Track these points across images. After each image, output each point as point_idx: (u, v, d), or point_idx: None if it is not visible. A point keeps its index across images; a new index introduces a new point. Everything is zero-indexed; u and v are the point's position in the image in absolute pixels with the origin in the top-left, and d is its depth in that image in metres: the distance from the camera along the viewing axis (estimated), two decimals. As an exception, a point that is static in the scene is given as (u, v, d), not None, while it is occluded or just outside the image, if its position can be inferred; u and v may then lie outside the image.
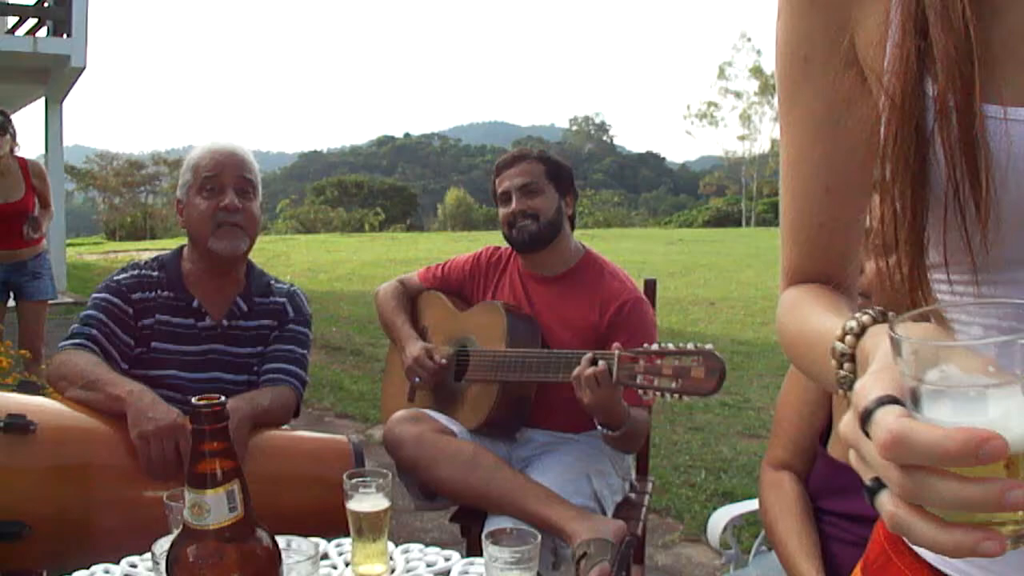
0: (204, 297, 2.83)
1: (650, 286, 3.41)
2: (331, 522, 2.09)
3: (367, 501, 1.90)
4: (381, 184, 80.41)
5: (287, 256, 23.16)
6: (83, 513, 2.30)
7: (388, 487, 1.92)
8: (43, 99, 16.25)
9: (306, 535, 2.03)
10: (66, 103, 16.28)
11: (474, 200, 74.94)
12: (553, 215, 3.19)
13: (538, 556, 1.69)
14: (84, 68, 14.98)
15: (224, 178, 2.76)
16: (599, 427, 2.85)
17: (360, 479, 1.92)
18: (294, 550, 1.46)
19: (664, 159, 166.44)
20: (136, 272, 2.84)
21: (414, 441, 2.91)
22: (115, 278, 2.84)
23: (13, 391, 2.60)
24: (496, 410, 3.07)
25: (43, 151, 16.39)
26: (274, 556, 1.30)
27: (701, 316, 13.09)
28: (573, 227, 3.31)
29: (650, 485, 3.43)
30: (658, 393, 2.54)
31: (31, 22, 16.08)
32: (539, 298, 3.24)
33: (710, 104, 72.83)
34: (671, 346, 2.56)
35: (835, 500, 2.09)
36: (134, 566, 1.97)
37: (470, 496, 2.87)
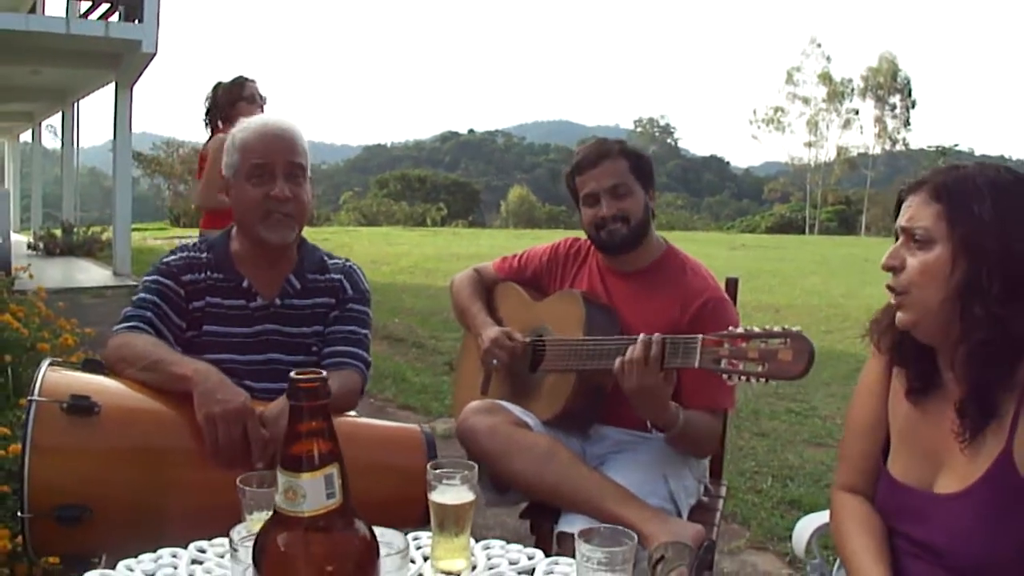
0: (254, 277, 2.76)
1: (731, 285, 3.30)
2: (403, 513, 2.03)
3: (451, 493, 1.82)
4: (444, 179, 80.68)
5: (349, 247, 23.24)
6: (148, 497, 2.25)
7: (473, 479, 1.85)
8: (113, 84, 16.46)
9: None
10: (135, 90, 16.44)
11: (537, 199, 74.87)
12: (642, 215, 3.08)
13: (632, 559, 1.61)
14: (155, 54, 15.18)
15: (274, 165, 2.67)
16: (652, 430, 2.77)
17: (444, 470, 1.85)
18: (384, 543, 1.39)
19: (728, 163, 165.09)
20: (185, 254, 2.79)
21: (488, 432, 2.84)
22: (165, 260, 2.78)
23: (78, 369, 2.56)
24: (573, 400, 2.98)
25: (111, 136, 16.60)
26: (373, 550, 1.22)
27: (766, 322, 12.66)
28: (654, 219, 3.20)
29: (724, 489, 3.34)
30: (743, 378, 2.42)
31: (103, 7, 16.30)
32: (618, 293, 3.15)
33: (777, 109, 72.12)
34: (756, 328, 2.44)
35: (900, 520, 2.01)
36: (202, 551, 1.92)
37: (544, 491, 2.79)
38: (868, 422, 2.13)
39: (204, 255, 2.78)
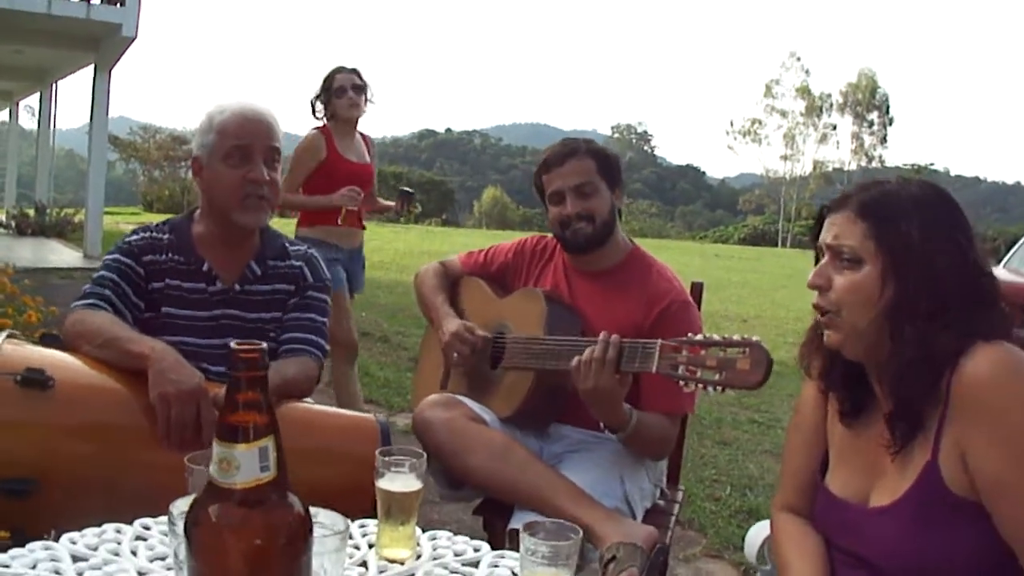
0: (216, 261, 2.75)
1: (697, 289, 3.29)
2: (353, 501, 2.01)
3: (399, 481, 1.81)
4: (420, 177, 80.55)
5: (321, 241, 23.10)
6: (99, 473, 2.24)
7: (422, 468, 1.84)
8: (92, 67, 16.36)
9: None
10: (114, 74, 16.37)
11: (511, 200, 74.89)
12: (607, 215, 3.07)
13: (577, 554, 1.60)
14: (134, 38, 15.09)
15: (253, 148, 2.67)
16: (604, 430, 2.78)
17: (393, 457, 1.83)
18: (322, 523, 1.37)
19: (704, 173, 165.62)
20: (147, 234, 2.78)
21: (444, 427, 2.82)
22: (127, 239, 2.77)
23: (36, 344, 2.54)
24: (530, 399, 2.96)
25: (88, 119, 16.52)
26: (306, 526, 1.20)
27: (734, 332, 12.83)
28: (620, 219, 3.19)
29: (680, 494, 3.34)
30: (700, 386, 2.40)
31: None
32: (582, 293, 3.14)
33: (754, 121, 72.43)
34: (716, 336, 2.42)
35: (837, 534, 2.02)
36: (147, 528, 1.90)
37: (498, 488, 2.77)
38: (807, 441, 2.14)
39: (166, 236, 2.77)
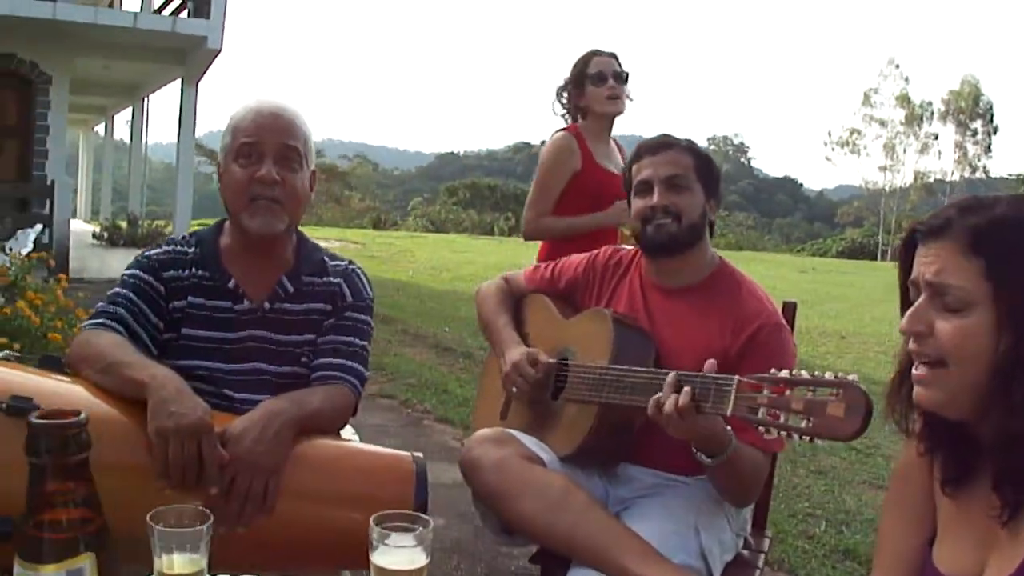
0: (243, 276, 2.46)
1: (789, 310, 2.92)
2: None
3: (399, 555, 1.46)
4: (515, 189, 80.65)
5: (412, 252, 23.19)
6: None
7: (428, 539, 1.48)
8: (180, 80, 16.64)
9: (347, 564, 1.85)
10: (210, 88, 16.79)
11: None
12: (697, 218, 2.72)
13: None
14: (220, 51, 15.51)
15: (264, 145, 2.40)
16: (695, 451, 2.37)
17: (392, 524, 1.48)
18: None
19: (801, 185, 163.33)
20: (170, 248, 2.51)
21: (495, 467, 2.49)
22: (147, 253, 2.51)
23: (33, 367, 2.29)
24: (592, 437, 2.60)
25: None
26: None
27: (831, 349, 12.41)
28: (712, 234, 2.83)
29: (767, 542, 2.96)
30: (784, 433, 1.99)
31: (176, 2, 16.54)
32: (660, 312, 2.78)
33: (853, 131, 71.02)
34: (804, 374, 2.00)
35: None
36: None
37: (552, 539, 2.43)
38: (911, 515, 1.76)
39: (190, 250, 2.50)
